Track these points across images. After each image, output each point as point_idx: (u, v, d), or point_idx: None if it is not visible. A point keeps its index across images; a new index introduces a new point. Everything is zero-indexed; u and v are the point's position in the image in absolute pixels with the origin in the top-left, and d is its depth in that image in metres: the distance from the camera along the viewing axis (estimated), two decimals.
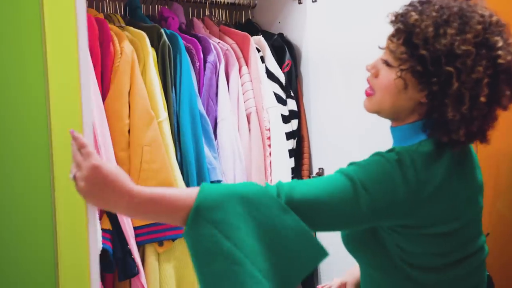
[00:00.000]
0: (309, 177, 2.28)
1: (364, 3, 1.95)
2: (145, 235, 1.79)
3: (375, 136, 1.91)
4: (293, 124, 2.25)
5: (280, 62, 2.24)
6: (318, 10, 2.17)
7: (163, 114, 1.86)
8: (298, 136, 2.28)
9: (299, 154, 2.30)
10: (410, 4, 1.16)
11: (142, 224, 1.77)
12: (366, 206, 1.07)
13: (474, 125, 1.09)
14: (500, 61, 1.07)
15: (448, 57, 1.06)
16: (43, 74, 1.16)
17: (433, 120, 1.13)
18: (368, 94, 1.24)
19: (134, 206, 1.03)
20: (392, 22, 1.17)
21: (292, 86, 2.27)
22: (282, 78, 2.22)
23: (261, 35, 2.26)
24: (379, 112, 1.24)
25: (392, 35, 1.16)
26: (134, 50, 1.81)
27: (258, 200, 1.04)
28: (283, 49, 2.26)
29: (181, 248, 1.89)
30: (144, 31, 1.88)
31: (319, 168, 2.24)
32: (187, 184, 1.90)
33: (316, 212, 1.07)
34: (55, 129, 1.16)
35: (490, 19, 1.10)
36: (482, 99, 1.06)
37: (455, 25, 1.07)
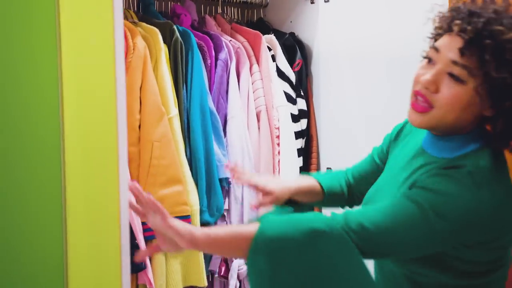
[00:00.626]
0: None
1: (376, 3, 1.96)
2: (153, 231, 1.80)
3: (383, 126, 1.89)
4: (302, 124, 2.25)
5: (291, 61, 2.24)
6: (330, 10, 2.17)
7: (174, 110, 1.87)
8: (307, 135, 2.28)
9: (307, 153, 2.30)
10: (477, 15, 1.08)
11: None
12: (442, 231, 1.06)
13: None
14: None
15: None
16: (56, 73, 1.17)
17: (497, 131, 1.12)
18: (422, 110, 1.14)
19: (200, 249, 1.20)
20: (468, 34, 1.07)
21: (302, 86, 2.27)
22: (293, 77, 2.22)
23: (273, 34, 2.26)
24: (434, 128, 1.16)
25: (465, 48, 1.07)
26: (147, 46, 1.82)
27: (321, 240, 1.04)
28: (294, 48, 2.27)
29: None
30: (157, 27, 1.89)
31: (327, 168, 2.24)
32: (196, 181, 1.91)
33: (389, 241, 1.08)
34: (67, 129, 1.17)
35: None
36: None
37: None
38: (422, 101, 1.13)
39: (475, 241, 1.10)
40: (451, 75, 1.09)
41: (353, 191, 1.50)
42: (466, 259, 1.13)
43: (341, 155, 2.19)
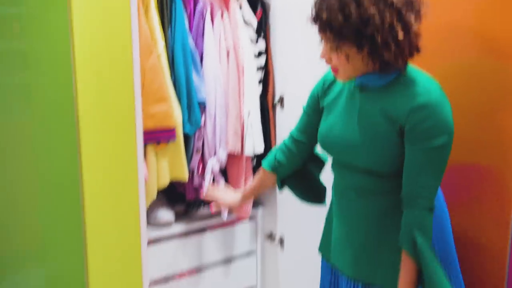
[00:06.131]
0: (273, 101, 2.58)
1: None
2: (145, 136, 2.09)
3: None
4: (262, 60, 2.53)
5: (254, 10, 2.54)
6: None
7: (161, 47, 2.17)
8: (265, 69, 2.56)
9: (265, 83, 2.57)
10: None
11: (144, 130, 2.02)
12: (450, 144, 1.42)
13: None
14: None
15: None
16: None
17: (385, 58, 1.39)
18: (335, 72, 1.47)
19: None
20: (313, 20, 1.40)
21: (262, 30, 2.57)
22: (255, 24, 2.49)
23: None
24: (351, 78, 1.46)
25: (321, 30, 1.40)
26: None
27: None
28: (257, 0, 2.58)
29: (173, 147, 2.25)
30: None
31: (280, 96, 2.58)
32: (179, 99, 2.26)
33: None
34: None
35: None
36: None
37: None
38: (331, 67, 1.48)
39: None
40: (330, 47, 1.42)
41: (302, 141, 1.78)
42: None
43: (292, 84, 2.54)
